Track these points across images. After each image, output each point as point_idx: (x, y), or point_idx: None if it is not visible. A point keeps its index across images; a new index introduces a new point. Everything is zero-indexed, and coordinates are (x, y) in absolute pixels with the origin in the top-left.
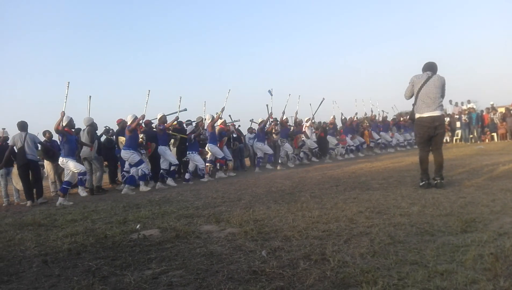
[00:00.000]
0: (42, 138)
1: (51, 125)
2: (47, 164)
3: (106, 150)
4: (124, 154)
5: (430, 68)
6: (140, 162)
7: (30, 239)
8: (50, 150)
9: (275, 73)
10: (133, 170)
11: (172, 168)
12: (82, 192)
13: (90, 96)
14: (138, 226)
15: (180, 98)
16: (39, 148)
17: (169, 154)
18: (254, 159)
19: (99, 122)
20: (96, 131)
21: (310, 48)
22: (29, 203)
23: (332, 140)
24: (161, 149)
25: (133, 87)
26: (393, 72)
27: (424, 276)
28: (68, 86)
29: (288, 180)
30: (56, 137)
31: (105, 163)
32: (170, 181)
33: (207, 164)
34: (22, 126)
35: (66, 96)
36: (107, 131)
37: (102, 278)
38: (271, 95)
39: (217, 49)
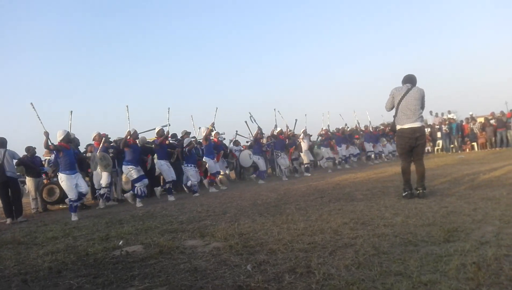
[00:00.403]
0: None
1: (32, 141)
2: (28, 180)
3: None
4: (123, 169)
5: (410, 80)
6: (137, 179)
7: (9, 258)
8: (30, 166)
9: (265, 84)
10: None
11: (167, 185)
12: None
13: (71, 111)
14: (120, 243)
15: (169, 109)
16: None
17: (164, 169)
18: (240, 172)
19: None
20: (79, 147)
21: (299, 60)
22: (8, 220)
23: (325, 153)
24: (158, 163)
25: (115, 102)
26: (380, 83)
27: (408, 287)
28: (33, 107)
29: (273, 192)
30: (39, 153)
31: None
32: (170, 197)
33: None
34: (1, 142)
35: (38, 116)
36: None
37: None
38: (253, 121)
39: (206, 62)
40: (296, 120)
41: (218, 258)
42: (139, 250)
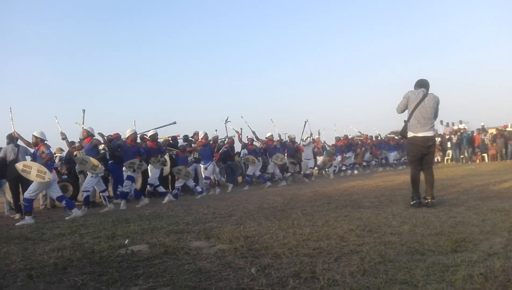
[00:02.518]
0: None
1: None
2: None
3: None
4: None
5: (423, 85)
6: (127, 179)
7: (16, 253)
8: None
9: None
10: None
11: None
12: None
13: (84, 110)
14: (126, 241)
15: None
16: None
17: (152, 172)
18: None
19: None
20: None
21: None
22: (17, 216)
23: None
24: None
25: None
26: (390, 92)
27: None
28: (10, 111)
29: (280, 196)
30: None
31: None
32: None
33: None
34: (11, 139)
35: (12, 120)
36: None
37: None
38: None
39: (213, 66)
40: (305, 121)
41: (222, 260)
42: (144, 250)
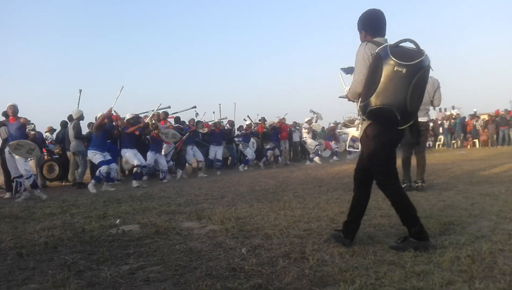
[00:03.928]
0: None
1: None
2: None
3: None
4: (88, 154)
5: None
6: (100, 164)
7: (6, 232)
8: (34, 142)
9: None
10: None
11: (135, 169)
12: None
13: (80, 90)
14: (117, 221)
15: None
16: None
17: (128, 156)
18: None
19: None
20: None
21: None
22: (8, 194)
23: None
24: (122, 151)
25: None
26: None
27: (401, 276)
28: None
29: (272, 179)
30: (40, 128)
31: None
32: (134, 183)
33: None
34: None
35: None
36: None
37: (77, 272)
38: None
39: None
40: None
41: (213, 240)
42: (135, 230)
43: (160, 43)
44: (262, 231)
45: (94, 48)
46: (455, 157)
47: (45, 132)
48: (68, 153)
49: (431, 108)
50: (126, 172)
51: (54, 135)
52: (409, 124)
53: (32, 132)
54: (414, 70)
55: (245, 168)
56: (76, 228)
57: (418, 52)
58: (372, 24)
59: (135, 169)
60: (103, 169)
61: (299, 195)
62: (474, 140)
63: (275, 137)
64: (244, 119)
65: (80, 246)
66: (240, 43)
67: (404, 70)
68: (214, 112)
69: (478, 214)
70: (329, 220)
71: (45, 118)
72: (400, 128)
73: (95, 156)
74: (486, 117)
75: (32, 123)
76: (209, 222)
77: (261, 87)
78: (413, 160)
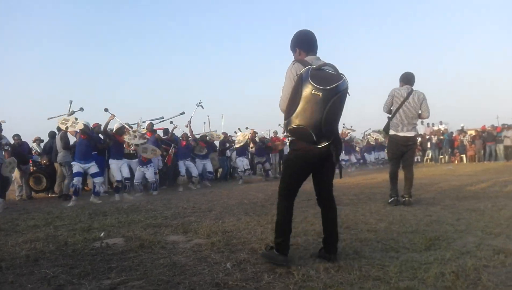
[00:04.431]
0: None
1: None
2: None
3: None
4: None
5: (408, 80)
6: (73, 175)
7: None
8: (17, 153)
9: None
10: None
11: (115, 184)
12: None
13: (71, 101)
14: (102, 234)
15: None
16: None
17: (113, 168)
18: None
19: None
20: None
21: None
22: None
23: None
24: (109, 162)
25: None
26: (372, 92)
27: None
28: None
29: (261, 192)
30: (26, 138)
31: None
32: (116, 196)
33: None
34: None
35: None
36: None
37: (57, 286)
38: (202, 107)
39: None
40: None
41: (198, 254)
42: (119, 243)
43: (151, 53)
44: (248, 245)
45: (86, 57)
46: (443, 172)
47: (33, 142)
48: (56, 164)
49: (419, 122)
50: (114, 184)
51: (42, 146)
52: (328, 142)
53: (6, 148)
54: (329, 94)
55: (240, 181)
56: (59, 241)
57: (337, 77)
58: (305, 42)
59: (115, 183)
60: (75, 181)
61: None
62: (462, 155)
63: (265, 150)
64: (235, 132)
65: (62, 260)
66: (232, 52)
67: (320, 94)
68: (204, 123)
69: (464, 230)
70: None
71: (33, 128)
72: (319, 146)
73: (74, 166)
74: (473, 132)
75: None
76: (195, 236)
77: (250, 97)
78: (401, 174)
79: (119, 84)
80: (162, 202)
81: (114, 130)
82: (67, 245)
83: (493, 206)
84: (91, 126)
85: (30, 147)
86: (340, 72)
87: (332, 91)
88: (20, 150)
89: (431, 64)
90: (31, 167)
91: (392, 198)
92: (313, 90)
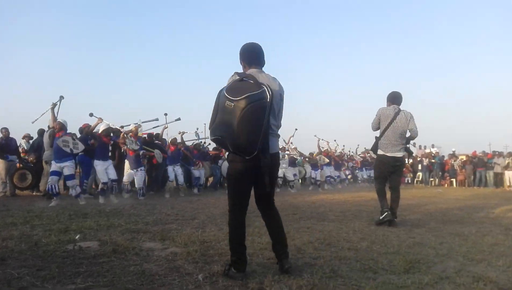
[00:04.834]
0: None
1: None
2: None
3: None
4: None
5: (395, 100)
6: (50, 173)
7: None
8: (4, 147)
9: None
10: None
11: (101, 186)
12: (100, 199)
13: (61, 96)
14: (77, 237)
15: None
16: None
17: (99, 170)
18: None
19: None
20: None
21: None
22: None
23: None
24: (94, 163)
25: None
26: (364, 110)
27: None
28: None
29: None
30: (14, 134)
31: None
32: (100, 199)
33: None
34: None
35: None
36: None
37: (18, 289)
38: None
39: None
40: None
41: (171, 264)
42: (93, 247)
43: (150, 58)
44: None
45: (80, 56)
46: (432, 194)
47: (22, 139)
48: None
49: (411, 143)
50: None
51: (31, 143)
52: (251, 155)
53: None
54: (240, 105)
55: None
56: (33, 241)
57: (251, 87)
58: (247, 56)
59: (101, 185)
60: (50, 180)
61: None
62: (452, 179)
63: None
64: None
65: (31, 261)
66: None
67: (232, 105)
68: (197, 128)
69: (445, 254)
70: (295, 249)
71: (24, 124)
72: (247, 157)
73: (51, 165)
74: (464, 157)
75: None
76: (172, 244)
77: None
78: (388, 195)
79: (126, 86)
80: (147, 207)
81: (100, 131)
82: (39, 245)
83: (477, 232)
84: (81, 126)
85: (18, 144)
86: (260, 82)
87: (241, 102)
88: (6, 145)
89: (426, 89)
90: (17, 164)
91: (385, 213)
92: (227, 101)
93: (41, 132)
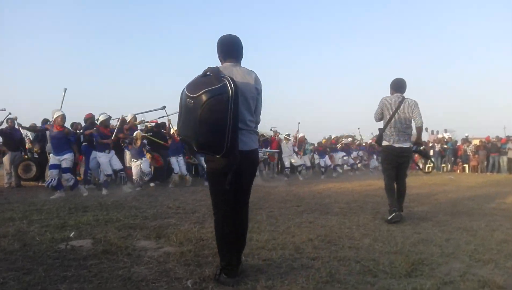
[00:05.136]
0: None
1: None
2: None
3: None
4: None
5: (399, 87)
6: (49, 167)
7: None
8: (8, 138)
9: None
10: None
11: (104, 178)
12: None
13: (65, 89)
14: (72, 234)
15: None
16: None
17: (102, 162)
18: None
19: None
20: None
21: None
22: None
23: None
24: (96, 154)
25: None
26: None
27: None
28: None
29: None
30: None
31: None
32: (104, 191)
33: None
34: None
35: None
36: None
37: None
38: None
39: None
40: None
41: (162, 266)
42: (86, 246)
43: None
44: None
45: (85, 46)
46: (443, 181)
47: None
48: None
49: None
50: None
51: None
52: (221, 152)
53: None
54: (199, 102)
55: None
56: (27, 239)
57: (209, 82)
58: (223, 49)
59: (104, 177)
60: (50, 174)
61: (273, 215)
62: (464, 165)
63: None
64: None
65: (21, 262)
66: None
67: (192, 102)
68: None
69: (451, 253)
70: (294, 249)
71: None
72: (218, 156)
73: (51, 159)
74: (477, 142)
75: None
76: (167, 243)
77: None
78: None
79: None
80: (149, 199)
81: (99, 121)
82: (31, 245)
83: (486, 226)
84: (85, 116)
85: (23, 135)
86: (220, 76)
87: (200, 98)
88: (11, 136)
89: (440, 72)
90: (23, 155)
91: (394, 213)
92: (187, 99)
93: (45, 123)
